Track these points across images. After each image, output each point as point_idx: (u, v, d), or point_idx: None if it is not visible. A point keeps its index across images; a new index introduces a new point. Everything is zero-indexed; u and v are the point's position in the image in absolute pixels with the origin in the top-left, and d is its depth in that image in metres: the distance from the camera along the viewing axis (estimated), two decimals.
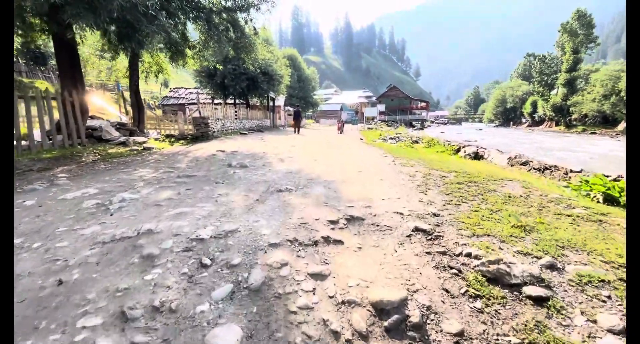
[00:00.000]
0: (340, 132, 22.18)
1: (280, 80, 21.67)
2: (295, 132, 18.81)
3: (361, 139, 15.74)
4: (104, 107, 22.10)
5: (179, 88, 31.67)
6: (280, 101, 31.93)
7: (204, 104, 21.00)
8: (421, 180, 4.42)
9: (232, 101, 22.23)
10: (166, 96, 31.69)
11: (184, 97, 28.59)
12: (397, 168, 5.46)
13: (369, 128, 30.53)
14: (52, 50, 13.91)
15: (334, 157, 7.17)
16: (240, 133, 15.17)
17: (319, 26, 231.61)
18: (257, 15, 10.64)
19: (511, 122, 69.59)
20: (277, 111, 29.93)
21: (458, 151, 9.81)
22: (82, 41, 7.98)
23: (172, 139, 10.35)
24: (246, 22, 10.27)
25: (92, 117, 9.16)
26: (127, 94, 16.81)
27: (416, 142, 12.19)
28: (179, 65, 10.79)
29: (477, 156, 8.65)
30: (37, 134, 7.24)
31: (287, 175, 4.85)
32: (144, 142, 8.97)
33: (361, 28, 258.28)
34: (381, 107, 44.93)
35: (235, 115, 17.55)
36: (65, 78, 7.41)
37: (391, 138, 12.53)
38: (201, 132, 11.08)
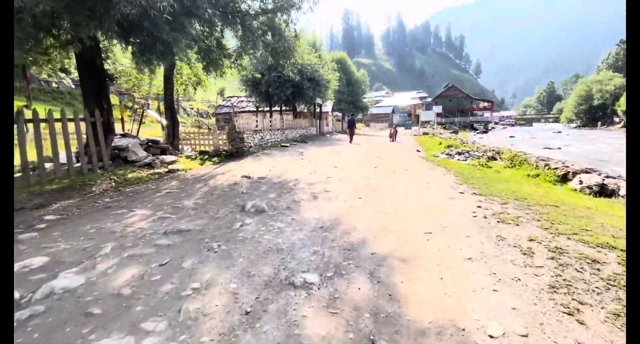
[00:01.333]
0: (393, 140, 20.08)
1: (327, 85, 20.45)
2: (349, 141, 18.24)
3: (418, 150, 13.48)
4: (159, 120, 23.08)
5: (232, 97, 32.42)
6: (327, 106, 30.70)
7: (239, 113, 20.61)
8: (550, 268, 2.43)
9: (278, 109, 21.57)
10: (219, 105, 32.73)
11: (235, 106, 29.08)
12: (490, 226, 3.42)
13: (424, 133, 27.55)
14: (119, 67, 14.42)
15: (386, 193, 5.36)
16: (281, 145, 14.05)
17: (370, 28, 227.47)
18: (299, 16, 9.35)
19: (599, 123, 59.11)
20: (324, 117, 28.67)
21: (565, 178, 6.81)
22: (109, 55, 7.44)
23: (205, 157, 9.51)
24: (287, 25, 9.07)
25: (124, 135, 8.67)
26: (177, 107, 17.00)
27: (493, 158, 9.43)
28: (216, 76, 10.01)
29: (603, 191, 5.81)
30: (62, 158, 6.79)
31: (314, 235, 3.25)
32: (172, 162, 8.19)
33: (415, 26, 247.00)
34: (437, 108, 40.68)
35: (280, 124, 16.55)
36: (88, 96, 6.84)
37: (458, 153, 9.99)
38: (236, 148, 10.09)
